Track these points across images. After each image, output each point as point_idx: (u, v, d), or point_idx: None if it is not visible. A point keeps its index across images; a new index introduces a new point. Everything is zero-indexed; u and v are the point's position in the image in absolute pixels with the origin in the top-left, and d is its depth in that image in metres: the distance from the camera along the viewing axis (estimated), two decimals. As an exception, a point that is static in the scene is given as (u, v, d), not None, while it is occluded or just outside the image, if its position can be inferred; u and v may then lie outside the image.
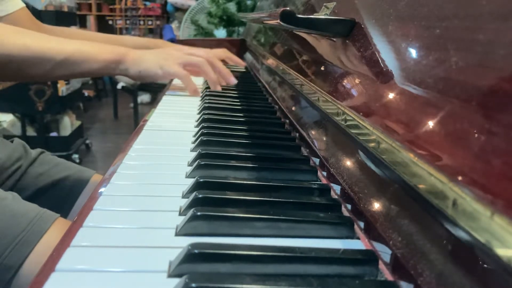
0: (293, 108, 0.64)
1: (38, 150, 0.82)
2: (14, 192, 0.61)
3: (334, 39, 0.50)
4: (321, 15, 0.55)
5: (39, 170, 0.78)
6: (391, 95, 0.34)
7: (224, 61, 1.09)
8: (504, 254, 0.18)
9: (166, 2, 4.46)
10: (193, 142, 0.56)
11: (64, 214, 0.74)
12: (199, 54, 0.88)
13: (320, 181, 0.45)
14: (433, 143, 0.26)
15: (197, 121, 0.67)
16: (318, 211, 0.36)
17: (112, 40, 1.06)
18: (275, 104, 0.78)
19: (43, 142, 2.47)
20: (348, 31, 0.46)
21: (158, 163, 0.48)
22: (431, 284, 0.23)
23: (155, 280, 0.27)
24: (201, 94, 0.87)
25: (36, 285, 0.25)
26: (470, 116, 0.24)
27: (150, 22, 5.81)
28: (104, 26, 5.97)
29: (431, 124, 0.27)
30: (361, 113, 0.36)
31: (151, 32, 5.84)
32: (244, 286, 0.25)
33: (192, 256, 0.27)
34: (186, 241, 0.29)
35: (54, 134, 2.68)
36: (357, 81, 0.42)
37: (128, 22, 5.85)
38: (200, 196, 0.35)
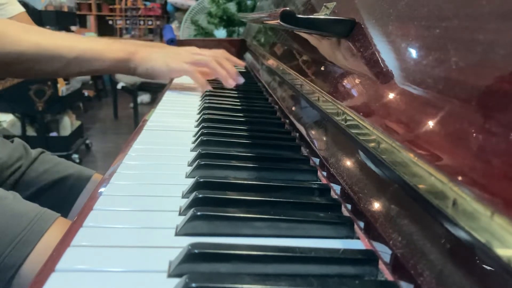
0: (293, 108, 0.64)
1: (39, 150, 0.82)
2: (14, 192, 0.61)
3: (334, 39, 0.50)
4: (321, 15, 0.55)
5: (39, 170, 0.78)
6: (391, 95, 0.34)
7: None
8: (504, 254, 0.18)
9: (166, 2, 4.46)
10: (193, 142, 0.56)
11: (65, 214, 0.74)
12: (206, 54, 0.89)
13: (320, 181, 0.45)
14: (433, 143, 0.26)
15: (197, 121, 0.67)
16: (318, 211, 0.36)
17: None
18: (275, 104, 0.78)
19: (43, 142, 2.47)
20: (348, 31, 0.46)
21: (158, 163, 0.48)
22: (431, 284, 0.23)
23: (155, 280, 0.27)
24: (206, 90, 0.87)
25: (36, 285, 0.25)
26: (470, 116, 0.25)
27: (150, 22, 5.82)
28: (104, 26, 5.98)
29: (431, 124, 0.27)
30: (361, 113, 0.36)
31: (151, 32, 5.84)
32: (244, 286, 0.25)
33: (192, 256, 0.27)
34: (186, 241, 0.29)
35: (54, 134, 2.68)
36: (357, 81, 0.42)
37: (128, 22, 5.86)
38: (200, 196, 0.35)
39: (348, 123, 0.39)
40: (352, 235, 0.34)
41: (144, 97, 4.29)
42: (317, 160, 0.48)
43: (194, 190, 0.38)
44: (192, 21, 2.41)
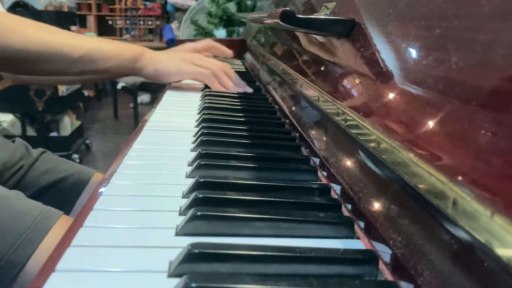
0: (293, 108, 0.64)
1: (40, 149, 0.82)
2: (18, 190, 0.61)
3: (334, 39, 0.50)
4: (321, 15, 0.55)
5: (40, 170, 0.78)
6: (391, 95, 0.34)
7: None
8: (504, 254, 0.18)
9: (166, 2, 4.46)
10: (193, 142, 0.56)
11: (66, 213, 0.74)
12: (212, 62, 0.89)
13: (320, 181, 0.45)
14: (433, 143, 0.26)
15: (197, 121, 0.67)
16: (318, 211, 0.36)
17: None
18: (275, 104, 0.78)
19: (43, 142, 2.47)
20: (348, 31, 0.46)
21: (158, 163, 0.48)
22: (431, 284, 0.23)
23: (155, 280, 0.27)
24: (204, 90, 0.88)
25: (36, 285, 0.25)
26: (470, 116, 0.25)
27: (150, 22, 5.81)
28: (104, 26, 5.98)
29: (431, 124, 0.27)
30: (361, 113, 0.36)
31: (151, 32, 5.84)
32: (244, 286, 0.25)
33: (192, 256, 0.27)
34: (186, 241, 0.29)
35: (54, 134, 2.68)
36: (357, 81, 0.42)
37: (128, 22, 5.85)
38: (200, 196, 0.35)
39: (348, 123, 0.39)
40: (352, 235, 0.34)
41: (144, 97, 4.29)
42: (317, 160, 0.48)
43: (194, 190, 0.38)
44: (192, 21, 2.41)
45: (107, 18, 6.00)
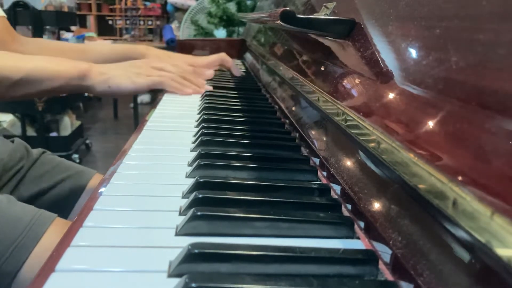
0: (293, 108, 0.64)
1: (40, 150, 0.82)
2: (9, 195, 0.61)
3: (334, 39, 0.50)
4: (321, 15, 0.55)
5: (40, 171, 0.78)
6: (391, 95, 0.34)
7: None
8: (504, 254, 0.18)
9: (166, 2, 4.46)
10: (193, 142, 0.56)
11: (66, 214, 0.74)
12: (168, 68, 0.86)
13: (320, 181, 0.45)
14: (433, 143, 0.26)
15: (197, 121, 0.67)
16: (318, 211, 0.36)
17: (87, 50, 1.00)
18: (275, 104, 0.78)
19: (43, 142, 2.46)
20: (348, 31, 0.46)
21: (158, 163, 0.48)
22: (431, 284, 0.23)
23: (155, 280, 0.27)
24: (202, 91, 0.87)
25: (36, 285, 0.25)
26: (470, 116, 0.25)
27: (150, 22, 5.82)
28: (104, 26, 5.98)
29: (431, 124, 0.27)
30: (361, 113, 0.36)
31: (151, 32, 5.84)
32: (244, 286, 0.25)
33: (192, 256, 0.27)
34: (186, 241, 0.29)
35: (54, 134, 2.68)
36: (357, 81, 0.42)
37: (128, 22, 5.86)
38: (200, 196, 0.35)
39: (348, 123, 0.39)
40: (352, 235, 0.34)
41: (144, 97, 4.29)
42: (317, 160, 0.48)
43: (194, 190, 0.38)
44: (192, 21, 2.41)
45: (107, 18, 6.00)
